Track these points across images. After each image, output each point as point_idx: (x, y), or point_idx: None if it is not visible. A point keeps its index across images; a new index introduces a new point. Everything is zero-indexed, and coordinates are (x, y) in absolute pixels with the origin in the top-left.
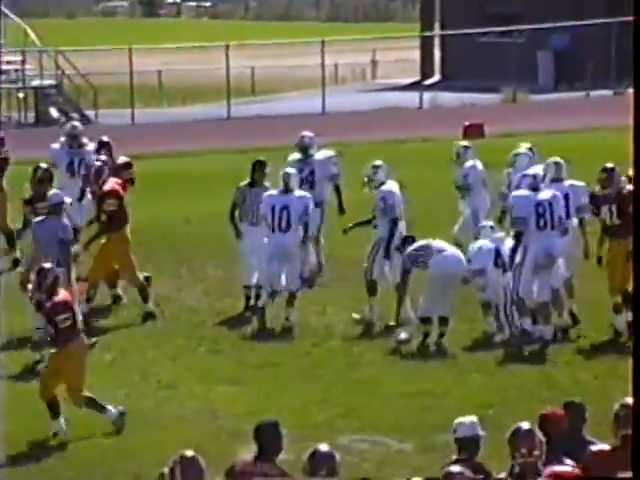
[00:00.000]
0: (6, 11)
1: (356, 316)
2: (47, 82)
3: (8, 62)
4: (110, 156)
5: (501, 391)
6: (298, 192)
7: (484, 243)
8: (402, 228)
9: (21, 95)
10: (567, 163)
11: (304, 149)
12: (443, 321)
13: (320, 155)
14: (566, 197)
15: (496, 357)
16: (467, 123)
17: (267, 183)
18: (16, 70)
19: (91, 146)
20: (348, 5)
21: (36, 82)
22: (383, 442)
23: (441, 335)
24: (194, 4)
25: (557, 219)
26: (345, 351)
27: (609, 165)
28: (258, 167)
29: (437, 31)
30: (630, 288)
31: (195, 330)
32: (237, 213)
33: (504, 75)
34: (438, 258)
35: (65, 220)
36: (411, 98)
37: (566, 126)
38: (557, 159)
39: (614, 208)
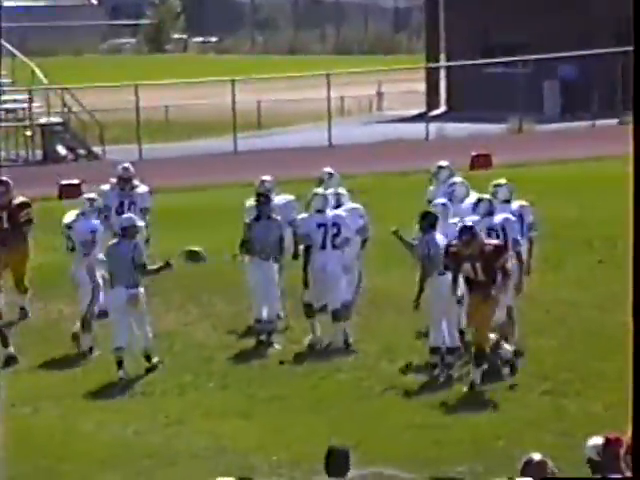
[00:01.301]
0: (14, 50)
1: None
2: (54, 119)
3: (15, 100)
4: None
5: (511, 422)
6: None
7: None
8: None
9: (29, 133)
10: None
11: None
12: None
13: (279, 200)
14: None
15: (505, 387)
16: (474, 154)
17: (274, 215)
18: (23, 108)
19: (143, 188)
20: (354, 38)
21: (43, 120)
22: (394, 475)
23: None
24: (200, 40)
25: (512, 241)
26: (353, 384)
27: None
28: (263, 200)
29: (443, 62)
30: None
31: (204, 365)
32: (245, 247)
33: (510, 105)
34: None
35: (138, 242)
36: (417, 129)
37: (572, 155)
38: (502, 181)
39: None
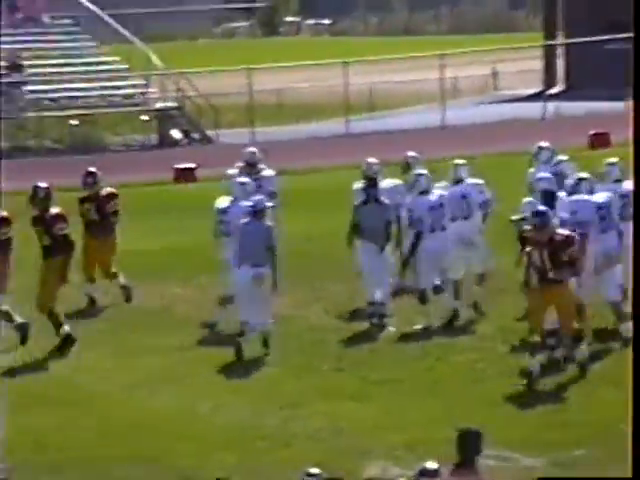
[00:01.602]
0: (130, 36)
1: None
2: (169, 104)
3: (132, 86)
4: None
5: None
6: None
7: None
8: None
9: (145, 118)
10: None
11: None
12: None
13: (387, 183)
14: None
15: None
16: (592, 132)
17: (382, 198)
18: (139, 94)
19: (269, 172)
20: (469, 18)
21: (159, 105)
22: (512, 458)
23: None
24: (313, 22)
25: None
26: (469, 366)
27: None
28: (371, 184)
29: (561, 40)
30: None
31: (317, 348)
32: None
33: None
34: None
35: (270, 224)
36: (533, 109)
37: None
38: (614, 160)
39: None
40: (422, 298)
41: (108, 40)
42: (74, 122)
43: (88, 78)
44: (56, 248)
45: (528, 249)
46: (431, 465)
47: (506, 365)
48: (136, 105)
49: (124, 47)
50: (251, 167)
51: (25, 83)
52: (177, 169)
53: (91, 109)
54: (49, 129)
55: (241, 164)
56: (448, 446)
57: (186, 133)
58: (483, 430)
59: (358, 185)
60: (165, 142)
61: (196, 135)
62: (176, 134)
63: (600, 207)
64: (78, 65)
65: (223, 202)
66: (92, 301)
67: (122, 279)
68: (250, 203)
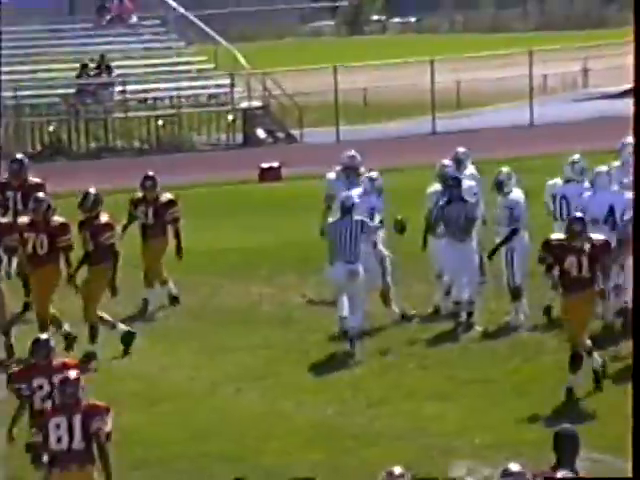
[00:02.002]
0: (216, 36)
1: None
2: (255, 104)
3: (218, 86)
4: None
5: None
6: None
7: None
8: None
9: (230, 117)
10: None
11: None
12: None
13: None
14: None
15: None
16: None
17: (466, 197)
18: (225, 93)
19: (374, 173)
20: (558, 14)
21: (244, 104)
22: (602, 460)
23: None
24: (399, 20)
25: None
26: (556, 367)
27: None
28: (453, 183)
29: None
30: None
31: (403, 346)
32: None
33: None
34: None
35: (362, 219)
36: (625, 106)
37: None
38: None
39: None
40: (516, 294)
41: (195, 40)
42: (160, 122)
43: (175, 78)
44: (98, 256)
45: (564, 257)
46: (514, 466)
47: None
48: (222, 105)
49: (210, 47)
50: (351, 170)
51: (113, 84)
52: (262, 168)
53: (177, 109)
54: (136, 129)
55: (339, 168)
56: (535, 447)
57: (271, 132)
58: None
59: (434, 188)
60: (250, 141)
61: (281, 134)
62: (261, 133)
63: None
64: (165, 65)
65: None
66: (146, 304)
67: (172, 285)
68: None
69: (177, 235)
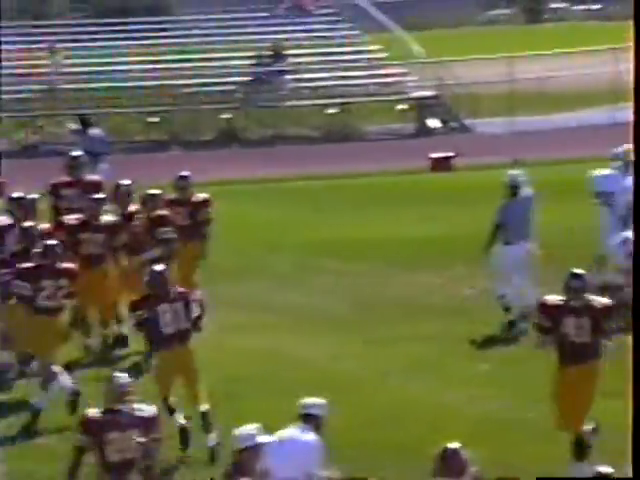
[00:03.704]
0: (392, 25)
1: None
2: (427, 93)
3: (391, 75)
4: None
5: None
6: None
7: None
8: None
9: (402, 107)
10: None
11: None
12: None
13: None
14: None
15: None
16: None
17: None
18: (398, 82)
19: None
20: None
21: (417, 93)
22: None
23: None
24: (582, 7)
25: None
26: None
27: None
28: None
29: None
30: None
31: None
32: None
33: None
34: None
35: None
36: None
37: None
38: None
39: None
40: None
41: (369, 29)
42: (332, 111)
43: (347, 67)
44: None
45: (560, 320)
46: (605, 469)
47: None
48: (394, 94)
49: (385, 36)
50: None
51: (286, 72)
52: (434, 158)
53: (349, 98)
54: (308, 118)
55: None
56: None
57: (444, 122)
58: None
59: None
60: (422, 131)
61: (454, 124)
62: (433, 123)
63: None
64: (338, 54)
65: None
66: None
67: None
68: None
69: (204, 237)
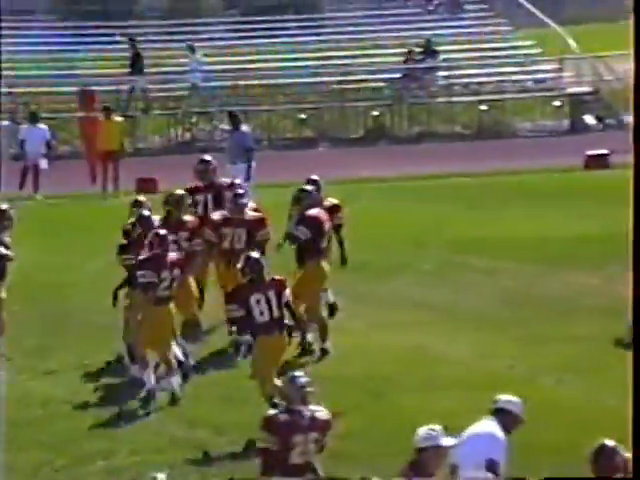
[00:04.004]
0: (547, 20)
1: None
2: (584, 89)
3: (545, 71)
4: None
5: None
6: None
7: None
8: None
9: (557, 103)
10: None
11: None
12: None
13: None
14: None
15: None
16: None
17: None
18: (553, 78)
19: None
20: None
21: (573, 89)
22: None
23: None
24: None
25: None
26: None
27: None
28: None
29: None
30: None
31: None
32: None
33: None
34: None
35: None
36: None
37: None
38: None
39: None
40: None
41: (523, 24)
42: (484, 107)
43: (500, 63)
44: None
45: None
46: None
47: None
48: (548, 90)
49: (539, 31)
50: None
51: (438, 69)
52: (588, 155)
53: (502, 94)
54: (459, 114)
55: None
56: None
57: (600, 118)
58: None
59: None
60: (577, 128)
61: (611, 121)
62: (589, 119)
63: None
64: (490, 50)
65: None
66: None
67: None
68: None
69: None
